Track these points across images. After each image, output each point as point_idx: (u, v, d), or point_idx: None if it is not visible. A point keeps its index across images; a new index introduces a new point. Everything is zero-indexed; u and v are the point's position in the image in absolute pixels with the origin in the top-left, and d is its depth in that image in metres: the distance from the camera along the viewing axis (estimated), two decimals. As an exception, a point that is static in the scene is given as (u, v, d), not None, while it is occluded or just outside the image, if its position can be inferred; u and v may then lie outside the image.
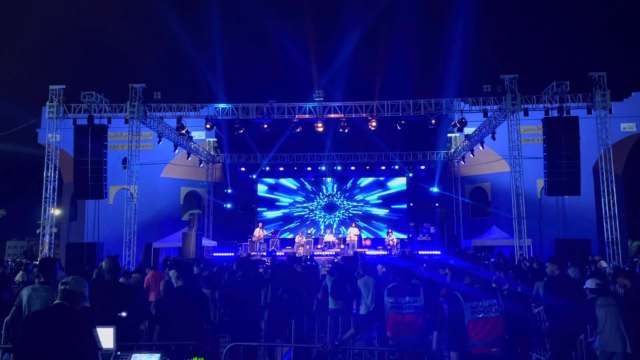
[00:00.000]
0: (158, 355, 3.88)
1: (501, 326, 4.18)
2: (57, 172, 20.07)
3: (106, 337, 3.60)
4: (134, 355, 3.85)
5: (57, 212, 22.98)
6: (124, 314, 4.66)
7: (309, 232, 25.27)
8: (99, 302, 4.93)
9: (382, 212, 27.79)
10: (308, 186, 28.25)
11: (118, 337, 3.84)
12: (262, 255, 20.87)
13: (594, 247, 20.50)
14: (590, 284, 6.40)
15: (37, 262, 16.84)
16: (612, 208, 18.61)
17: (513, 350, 6.78)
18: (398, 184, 28.02)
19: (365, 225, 27.19)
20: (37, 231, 24.33)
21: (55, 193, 19.87)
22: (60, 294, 3.41)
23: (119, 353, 3.84)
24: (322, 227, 27.26)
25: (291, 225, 27.64)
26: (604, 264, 16.42)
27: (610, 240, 18.46)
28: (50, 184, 19.64)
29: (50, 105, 19.62)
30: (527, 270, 13.37)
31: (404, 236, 25.88)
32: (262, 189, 28.47)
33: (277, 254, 22.02)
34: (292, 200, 28.17)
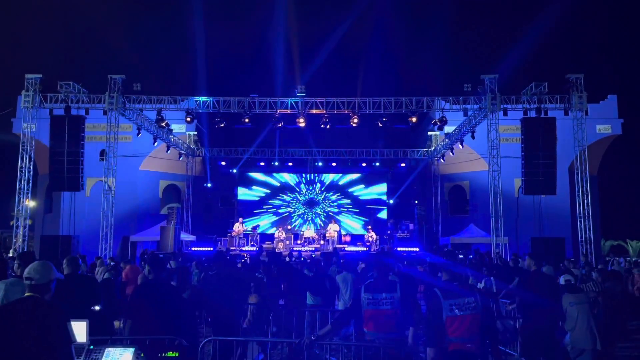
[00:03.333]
0: (132, 349, 3.83)
1: (478, 323, 4.24)
2: (32, 162, 19.64)
3: (79, 331, 3.54)
4: (107, 350, 3.80)
5: (31, 203, 22.51)
6: (97, 307, 4.59)
7: (289, 227, 25.27)
8: (72, 296, 4.86)
9: (362, 208, 27.92)
10: (288, 181, 28.21)
11: (91, 332, 3.78)
12: (254, 251, 20.76)
13: (568, 246, 20.92)
14: (561, 280, 6.54)
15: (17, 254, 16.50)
16: (586, 208, 19.00)
17: (482, 343, 6.89)
18: (378, 180, 28.18)
19: (345, 221, 27.29)
20: (11, 223, 23.80)
21: (30, 184, 19.45)
22: (28, 288, 3.32)
23: (92, 347, 3.78)
24: (301, 222, 27.27)
25: (271, 220, 27.57)
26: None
27: (584, 239, 18.85)
28: (25, 175, 19.22)
29: (26, 95, 19.17)
30: (502, 267, 13.57)
31: (383, 232, 26.07)
32: (242, 184, 28.32)
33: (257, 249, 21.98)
34: (272, 196, 28.10)
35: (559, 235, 20.25)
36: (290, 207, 27.93)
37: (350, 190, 28.12)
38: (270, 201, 28.06)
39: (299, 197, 28.01)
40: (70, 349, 3.23)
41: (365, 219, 27.46)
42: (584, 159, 19.14)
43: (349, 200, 27.99)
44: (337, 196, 28.03)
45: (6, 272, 6.58)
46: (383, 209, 27.89)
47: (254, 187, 28.28)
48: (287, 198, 28.01)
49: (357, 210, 27.86)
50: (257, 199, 28.14)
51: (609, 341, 6.04)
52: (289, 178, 28.27)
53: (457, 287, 4.31)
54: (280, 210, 27.91)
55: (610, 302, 6.44)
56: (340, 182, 28.13)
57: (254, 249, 22.00)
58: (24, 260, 5.69)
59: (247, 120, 20.21)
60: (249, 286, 7.97)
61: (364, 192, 28.12)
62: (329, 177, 28.15)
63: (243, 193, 28.26)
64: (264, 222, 27.31)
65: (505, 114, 19.07)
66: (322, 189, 28.09)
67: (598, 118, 24.24)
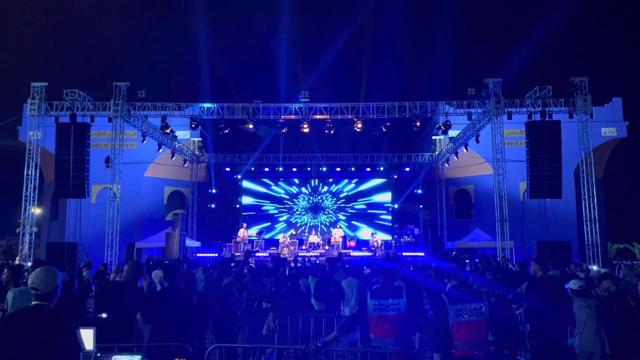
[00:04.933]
0: (139, 356, 3.84)
1: (485, 329, 4.21)
2: (38, 170, 19.74)
3: (86, 338, 3.54)
4: (114, 357, 3.80)
5: (37, 211, 22.63)
6: (104, 315, 4.60)
7: (293, 232, 25.25)
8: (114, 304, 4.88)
9: (366, 213, 27.86)
10: (293, 187, 28.22)
11: (98, 339, 3.79)
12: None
13: (575, 250, 20.79)
14: (572, 285, 6.45)
15: (17, 265, 16.57)
16: (592, 211, 18.90)
17: (499, 352, 6.84)
18: (383, 185, 28.14)
19: (350, 227, 27.23)
20: (17, 230, 23.92)
21: (36, 191, 19.54)
22: (34, 297, 3.33)
23: (99, 355, 3.79)
24: (306, 228, 27.24)
25: (276, 226, 27.57)
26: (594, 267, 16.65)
27: (590, 242, 18.74)
28: (31, 183, 19.32)
29: (31, 103, 19.30)
30: (508, 271, 13.49)
31: (389, 237, 26.00)
32: (246, 190, 28.35)
33: (260, 254, 21.99)
34: (276, 201, 28.10)
35: (565, 238, 20.12)
36: (295, 213, 27.91)
37: (354, 194, 28.07)
38: (274, 206, 28.05)
39: (303, 203, 27.99)
40: (79, 357, 3.24)
41: (369, 224, 27.39)
42: (589, 162, 19.06)
43: (353, 205, 27.93)
44: (342, 201, 27.99)
45: (19, 280, 6.60)
46: (388, 214, 27.83)
47: (258, 193, 28.29)
48: (291, 203, 27.99)
49: (362, 216, 27.79)
50: (262, 204, 28.14)
51: (621, 345, 5.98)
52: (293, 183, 28.26)
53: (464, 292, 4.29)
54: (284, 216, 27.89)
55: (614, 304, 6.39)
56: (345, 188, 28.09)
57: (263, 254, 21.98)
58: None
59: (251, 126, 20.27)
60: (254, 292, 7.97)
61: (368, 197, 28.06)
62: (333, 182, 28.12)
63: (247, 199, 28.27)
64: (269, 227, 27.30)
65: (509, 117, 19.04)
66: (327, 194, 28.07)
67: (603, 121, 24.16)
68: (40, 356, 3.12)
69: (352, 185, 28.13)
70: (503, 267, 15.44)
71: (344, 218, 27.59)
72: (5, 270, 8.84)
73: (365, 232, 26.91)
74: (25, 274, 10.01)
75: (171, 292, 5.24)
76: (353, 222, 27.65)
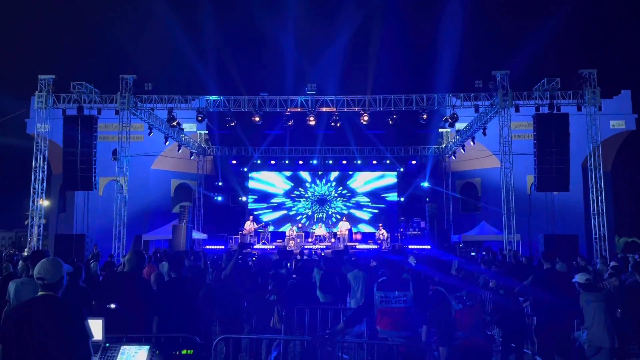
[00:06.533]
0: (147, 347, 3.86)
1: (480, 312, 4.25)
2: (46, 162, 19.84)
3: (95, 328, 3.57)
4: (122, 347, 3.83)
5: (45, 203, 22.78)
6: (112, 305, 4.64)
7: (300, 225, 25.29)
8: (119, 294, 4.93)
9: (373, 206, 27.85)
10: (299, 180, 28.22)
11: (107, 330, 3.82)
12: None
13: (582, 243, 20.69)
14: (579, 278, 6.40)
15: (27, 255, 16.70)
16: (600, 204, 18.78)
17: (506, 345, 6.84)
18: (389, 178, 28.09)
19: (356, 219, 27.22)
20: (26, 222, 24.11)
21: (44, 184, 19.65)
22: (41, 287, 3.36)
23: (107, 345, 3.82)
24: (313, 220, 27.28)
25: (282, 218, 27.59)
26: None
27: (597, 236, 18.64)
28: (39, 175, 19.43)
29: (39, 95, 19.36)
30: (515, 265, 13.45)
31: (395, 230, 25.96)
32: (253, 182, 28.40)
33: (266, 247, 22.06)
34: (283, 194, 28.14)
35: (572, 232, 20.01)
36: (301, 205, 27.93)
37: (360, 188, 28.05)
38: (280, 199, 28.09)
39: (309, 196, 28.00)
40: (88, 344, 3.28)
41: (375, 212, 27.37)
42: (597, 155, 18.91)
43: (359, 198, 27.92)
44: (348, 194, 27.97)
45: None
46: (394, 207, 27.79)
47: (264, 185, 28.33)
48: (297, 196, 28.00)
49: (368, 209, 27.77)
50: (268, 197, 28.17)
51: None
52: (299, 176, 28.26)
53: (455, 279, 4.33)
54: (291, 209, 27.92)
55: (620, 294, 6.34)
56: (351, 180, 28.07)
57: (269, 247, 22.04)
58: (35, 260, 5.75)
59: (257, 118, 20.26)
60: (261, 284, 7.99)
61: (374, 190, 28.02)
62: (339, 175, 28.10)
63: (254, 191, 28.31)
64: (275, 220, 27.36)
65: (517, 110, 18.92)
66: (333, 186, 28.06)
67: (612, 113, 23.96)
68: (50, 345, 3.16)
69: (358, 177, 28.09)
70: (509, 261, 15.39)
71: (350, 211, 27.57)
72: (20, 260, 8.90)
73: (371, 224, 26.89)
74: (21, 263, 10.07)
75: (178, 282, 5.26)
76: (359, 214, 27.62)
